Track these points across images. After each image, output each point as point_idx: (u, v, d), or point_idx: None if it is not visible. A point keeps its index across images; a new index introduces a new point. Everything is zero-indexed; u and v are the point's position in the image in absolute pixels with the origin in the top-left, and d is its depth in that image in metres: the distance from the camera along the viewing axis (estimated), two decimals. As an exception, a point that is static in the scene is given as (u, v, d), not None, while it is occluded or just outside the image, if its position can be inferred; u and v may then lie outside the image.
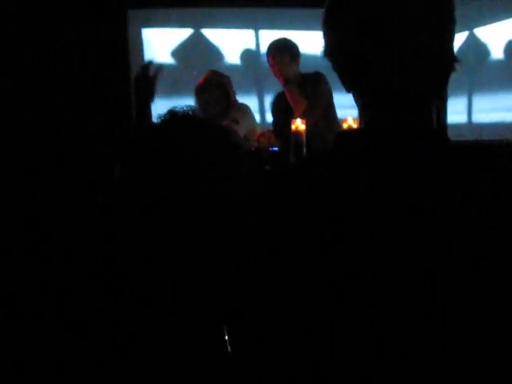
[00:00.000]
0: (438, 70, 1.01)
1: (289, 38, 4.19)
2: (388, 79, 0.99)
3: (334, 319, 0.94)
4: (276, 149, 3.72)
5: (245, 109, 4.29)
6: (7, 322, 1.30)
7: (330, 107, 4.06)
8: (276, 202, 1.00)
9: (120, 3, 4.62)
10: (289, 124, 3.69)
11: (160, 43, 5.63)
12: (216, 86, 4.22)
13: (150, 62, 2.74)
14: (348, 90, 1.07)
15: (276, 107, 4.38)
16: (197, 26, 5.73)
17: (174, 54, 5.72)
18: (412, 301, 0.92)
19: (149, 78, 2.65)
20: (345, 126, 3.67)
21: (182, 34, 5.75)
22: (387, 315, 0.93)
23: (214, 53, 5.72)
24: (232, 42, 5.84)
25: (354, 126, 3.59)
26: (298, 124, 3.68)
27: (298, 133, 3.69)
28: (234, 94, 4.31)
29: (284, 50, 4.08)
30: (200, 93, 4.25)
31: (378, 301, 0.93)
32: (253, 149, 3.82)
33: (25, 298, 1.31)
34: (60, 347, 1.25)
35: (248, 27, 5.83)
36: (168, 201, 1.24)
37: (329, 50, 1.06)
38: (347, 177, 0.98)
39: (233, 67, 5.64)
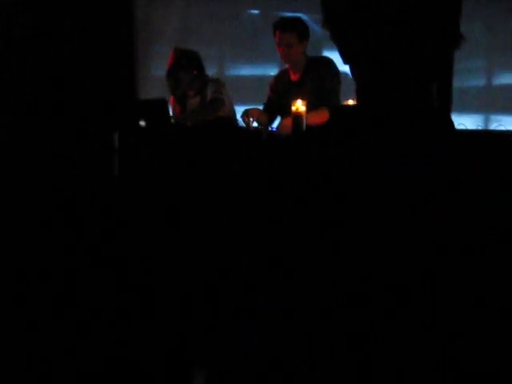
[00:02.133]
0: (441, 45, 0.99)
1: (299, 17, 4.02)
2: (386, 51, 0.98)
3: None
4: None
5: (221, 82, 4.26)
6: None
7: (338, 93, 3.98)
8: (272, 186, 0.97)
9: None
10: (287, 104, 3.66)
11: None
12: (187, 65, 4.15)
13: None
14: (345, 62, 1.05)
15: (277, 84, 4.24)
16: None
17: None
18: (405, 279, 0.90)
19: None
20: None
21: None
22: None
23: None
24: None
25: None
26: (299, 106, 3.65)
27: (298, 114, 3.67)
28: (204, 69, 4.20)
29: (292, 28, 3.92)
30: (171, 75, 4.16)
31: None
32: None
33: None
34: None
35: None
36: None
37: (327, 19, 1.04)
38: (345, 157, 0.97)
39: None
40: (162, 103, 3.51)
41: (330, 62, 3.88)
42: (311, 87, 3.93)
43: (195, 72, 4.13)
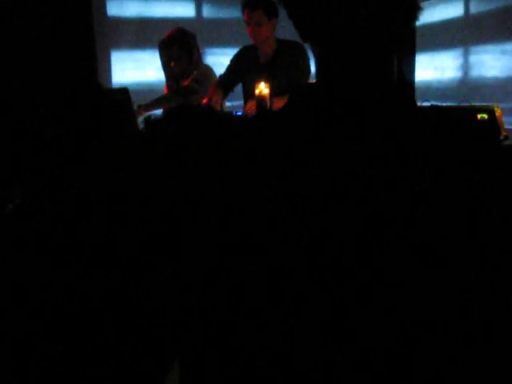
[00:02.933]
0: (400, 18, 0.97)
1: None
2: (346, 26, 0.95)
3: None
4: (240, 113, 3.65)
5: (209, 72, 4.20)
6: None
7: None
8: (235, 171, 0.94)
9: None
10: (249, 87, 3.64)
11: None
12: (179, 42, 4.15)
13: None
14: (305, 40, 1.02)
15: (241, 61, 4.20)
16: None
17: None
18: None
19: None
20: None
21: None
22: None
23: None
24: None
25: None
26: (262, 88, 3.64)
27: (261, 97, 3.65)
28: (199, 53, 4.21)
29: (259, 6, 3.90)
30: (163, 48, 4.20)
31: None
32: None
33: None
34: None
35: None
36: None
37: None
38: (304, 137, 0.94)
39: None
40: (125, 91, 3.30)
41: (301, 47, 3.88)
42: (282, 71, 3.92)
43: (183, 51, 4.13)
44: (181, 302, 0.97)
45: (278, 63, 3.94)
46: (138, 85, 5.28)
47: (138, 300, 1.13)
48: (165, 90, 4.48)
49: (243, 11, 3.90)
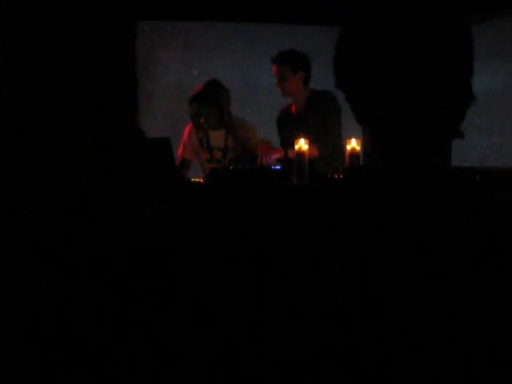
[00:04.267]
0: (453, 108, 1.00)
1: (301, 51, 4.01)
2: (400, 115, 0.98)
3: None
4: (278, 167, 3.65)
5: (245, 126, 4.24)
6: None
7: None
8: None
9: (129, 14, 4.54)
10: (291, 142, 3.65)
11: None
12: (210, 98, 4.12)
13: None
14: (360, 123, 1.05)
15: (281, 118, 4.27)
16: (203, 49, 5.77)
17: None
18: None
19: None
20: (348, 147, 3.59)
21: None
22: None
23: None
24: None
25: (358, 148, 3.59)
26: (302, 144, 3.64)
27: (301, 153, 3.65)
28: (229, 107, 4.20)
29: (284, 61, 3.94)
30: (192, 102, 4.16)
31: None
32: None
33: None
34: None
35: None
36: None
37: (340, 82, 1.04)
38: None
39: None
40: (166, 141, 3.33)
41: (331, 97, 3.89)
42: (312, 123, 3.96)
43: (214, 107, 4.10)
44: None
45: (309, 115, 3.98)
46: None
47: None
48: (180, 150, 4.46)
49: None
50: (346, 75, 1.03)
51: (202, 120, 4.17)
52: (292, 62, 3.94)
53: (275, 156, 3.97)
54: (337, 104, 3.87)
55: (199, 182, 3.72)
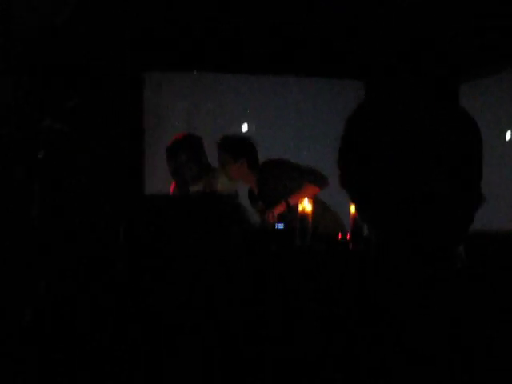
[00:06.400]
0: (464, 209, 0.96)
1: (248, 134, 4.14)
2: (407, 217, 0.94)
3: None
4: (281, 226, 3.61)
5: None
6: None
7: None
8: None
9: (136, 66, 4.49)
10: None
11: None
12: (185, 148, 4.13)
13: None
14: (364, 222, 1.04)
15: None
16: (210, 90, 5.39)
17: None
18: None
19: None
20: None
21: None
22: None
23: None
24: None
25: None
26: (305, 206, 3.77)
27: (304, 215, 3.82)
28: (206, 156, 4.21)
29: (225, 147, 4.01)
30: (169, 155, 4.17)
31: None
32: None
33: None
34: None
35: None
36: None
37: (345, 182, 1.02)
38: None
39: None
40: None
41: (271, 165, 4.00)
42: (268, 195, 4.04)
43: (193, 156, 4.16)
44: None
45: (263, 191, 4.02)
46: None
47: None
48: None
49: None
50: (353, 176, 1.00)
51: (182, 168, 4.14)
52: (233, 150, 4.01)
53: (278, 211, 3.91)
54: (280, 166, 4.00)
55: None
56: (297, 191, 3.87)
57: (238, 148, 4.08)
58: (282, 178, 4.01)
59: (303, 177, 3.97)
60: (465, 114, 0.98)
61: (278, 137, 5.38)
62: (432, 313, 0.93)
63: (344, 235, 3.54)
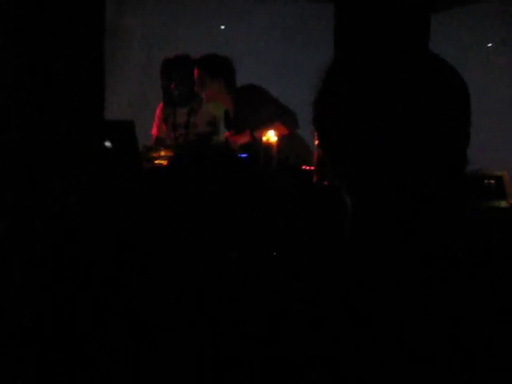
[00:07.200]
0: (446, 173, 0.93)
1: (223, 54, 4.06)
2: (385, 182, 0.92)
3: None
4: (245, 155, 3.59)
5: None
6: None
7: None
8: None
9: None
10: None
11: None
12: (181, 63, 4.15)
13: None
14: (338, 183, 0.98)
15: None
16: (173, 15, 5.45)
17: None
18: None
19: None
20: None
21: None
22: None
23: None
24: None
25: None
26: (270, 136, 3.73)
27: (269, 145, 3.78)
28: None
29: (202, 66, 3.98)
30: (163, 69, 4.18)
31: None
32: None
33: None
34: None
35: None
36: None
37: (322, 143, 0.98)
38: None
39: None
40: (130, 125, 3.33)
41: (248, 89, 4.00)
42: (240, 119, 4.05)
43: (185, 78, 4.14)
44: None
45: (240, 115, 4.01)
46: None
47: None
48: (153, 131, 4.36)
49: None
50: (328, 139, 0.96)
51: (172, 86, 4.09)
52: (211, 68, 3.98)
53: (241, 140, 3.90)
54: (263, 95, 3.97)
55: (162, 165, 3.57)
56: (267, 125, 3.78)
57: (215, 67, 4.05)
58: (257, 106, 3.97)
59: (277, 113, 3.94)
60: (444, 62, 0.96)
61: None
62: (432, 313, 0.91)
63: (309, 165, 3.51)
